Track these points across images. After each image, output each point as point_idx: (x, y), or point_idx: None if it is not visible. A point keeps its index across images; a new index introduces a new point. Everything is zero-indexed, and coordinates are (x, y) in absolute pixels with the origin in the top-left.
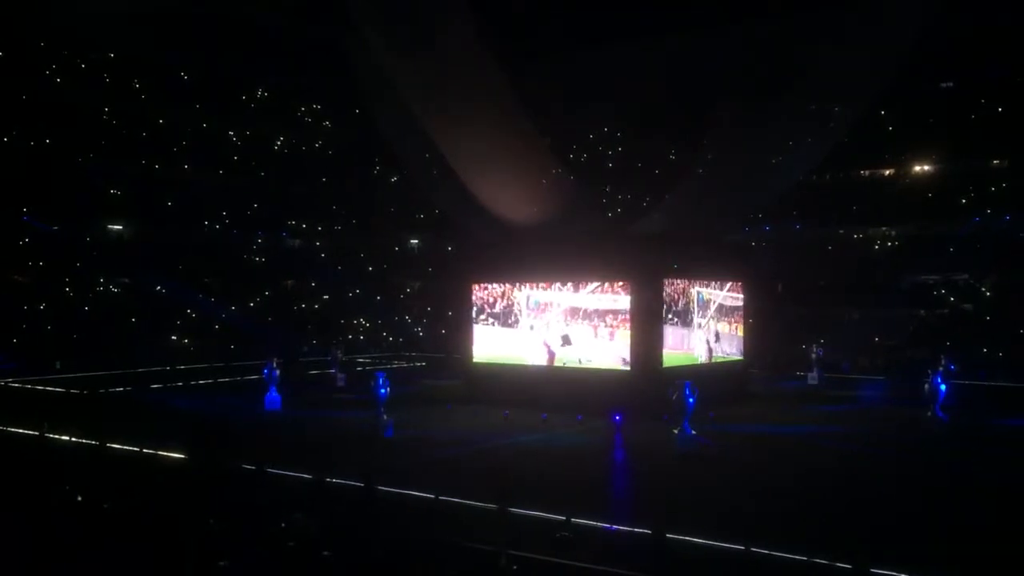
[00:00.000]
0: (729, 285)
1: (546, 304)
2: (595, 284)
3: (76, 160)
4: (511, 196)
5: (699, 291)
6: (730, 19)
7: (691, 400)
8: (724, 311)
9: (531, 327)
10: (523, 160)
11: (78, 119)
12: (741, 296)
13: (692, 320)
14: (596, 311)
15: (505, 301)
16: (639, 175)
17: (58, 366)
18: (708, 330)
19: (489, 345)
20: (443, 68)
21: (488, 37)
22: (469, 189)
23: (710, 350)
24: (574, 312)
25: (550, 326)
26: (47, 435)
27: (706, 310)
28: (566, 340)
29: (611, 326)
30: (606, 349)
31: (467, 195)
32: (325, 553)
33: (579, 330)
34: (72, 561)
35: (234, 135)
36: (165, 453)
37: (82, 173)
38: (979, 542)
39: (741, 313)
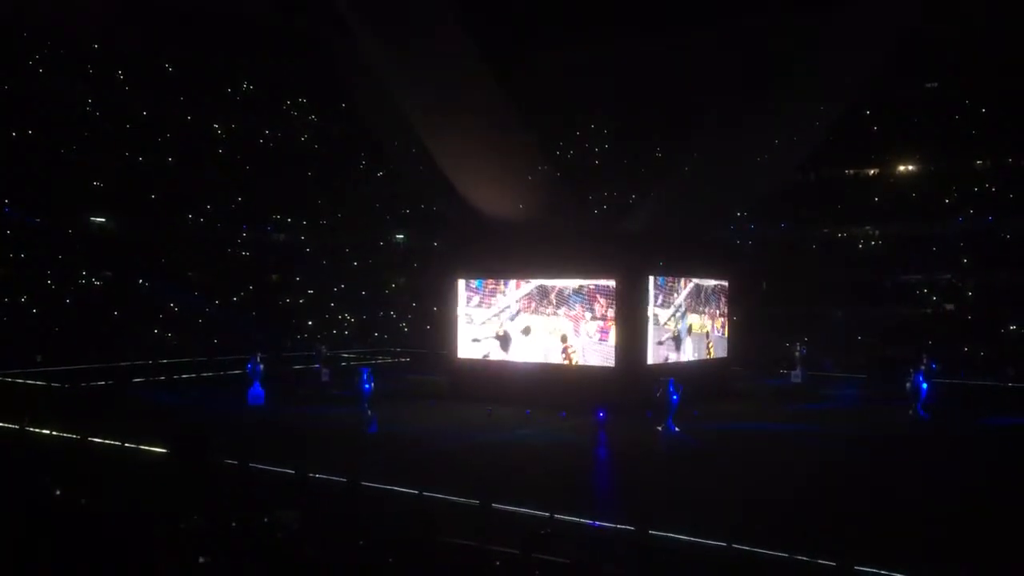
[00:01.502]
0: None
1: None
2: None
3: (59, 152)
4: (498, 192)
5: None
6: (717, 18)
7: (675, 397)
8: (705, 296)
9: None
10: (510, 156)
11: (61, 111)
12: (723, 283)
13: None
14: (578, 291)
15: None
16: (626, 172)
17: (39, 359)
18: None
19: (476, 342)
20: (431, 63)
21: (476, 33)
22: (456, 184)
23: (707, 347)
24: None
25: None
26: (27, 429)
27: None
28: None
29: (601, 317)
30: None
31: (454, 190)
32: (308, 549)
33: (561, 324)
34: (50, 557)
35: (219, 128)
36: (147, 448)
37: (64, 165)
38: (959, 539)
39: (724, 298)
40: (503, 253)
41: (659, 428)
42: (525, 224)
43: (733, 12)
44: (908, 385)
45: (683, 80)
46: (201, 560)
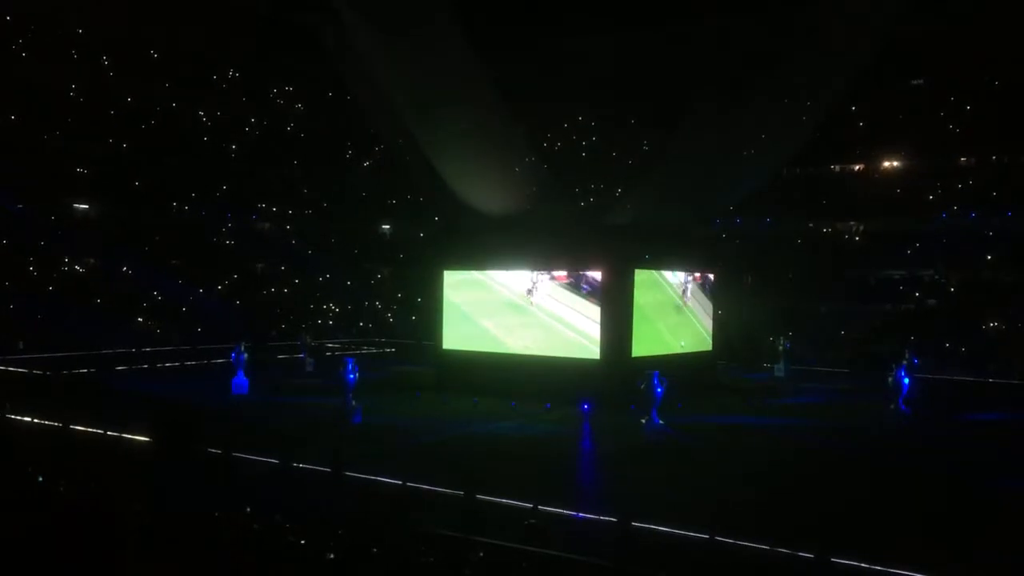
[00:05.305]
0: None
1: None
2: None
3: (42, 138)
4: (485, 183)
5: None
6: (704, 12)
7: (659, 390)
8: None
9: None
10: (498, 147)
11: (44, 96)
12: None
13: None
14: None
15: None
16: (613, 165)
17: (21, 346)
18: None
19: (460, 332)
20: (418, 52)
21: (466, 24)
22: (443, 175)
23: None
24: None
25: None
26: (8, 416)
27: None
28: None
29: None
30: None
31: (441, 181)
32: (291, 539)
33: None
34: (32, 546)
35: (204, 116)
36: (129, 436)
37: (48, 151)
38: (937, 532)
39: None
40: (489, 244)
41: (643, 420)
42: (512, 216)
43: (720, 6)
44: (890, 380)
45: (670, 73)
46: (183, 548)
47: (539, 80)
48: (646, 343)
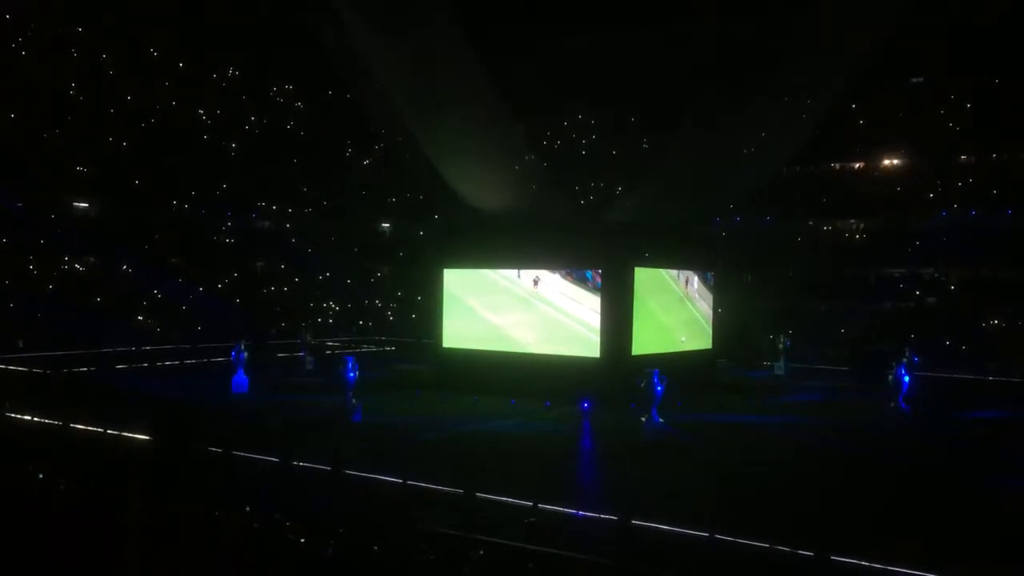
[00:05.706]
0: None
1: None
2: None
3: (42, 136)
4: (484, 182)
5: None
6: (704, 13)
7: (659, 388)
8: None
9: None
10: (498, 146)
11: (44, 95)
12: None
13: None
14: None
15: None
16: (613, 163)
17: (21, 345)
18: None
19: (460, 330)
20: (418, 51)
21: (466, 24)
22: (443, 174)
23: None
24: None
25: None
26: (8, 415)
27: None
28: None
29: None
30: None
31: (442, 180)
32: (291, 537)
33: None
34: (32, 545)
35: (204, 114)
36: (130, 435)
37: (48, 150)
38: (937, 532)
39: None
40: (488, 243)
41: (643, 419)
42: (512, 214)
43: (720, 6)
44: (890, 378)
45: (670, 73)
46: (185, 548)
47: (539, 80)
48: (646, 334)
